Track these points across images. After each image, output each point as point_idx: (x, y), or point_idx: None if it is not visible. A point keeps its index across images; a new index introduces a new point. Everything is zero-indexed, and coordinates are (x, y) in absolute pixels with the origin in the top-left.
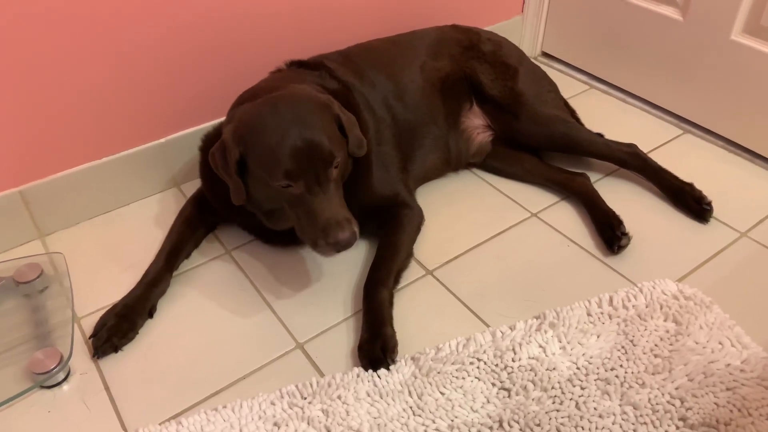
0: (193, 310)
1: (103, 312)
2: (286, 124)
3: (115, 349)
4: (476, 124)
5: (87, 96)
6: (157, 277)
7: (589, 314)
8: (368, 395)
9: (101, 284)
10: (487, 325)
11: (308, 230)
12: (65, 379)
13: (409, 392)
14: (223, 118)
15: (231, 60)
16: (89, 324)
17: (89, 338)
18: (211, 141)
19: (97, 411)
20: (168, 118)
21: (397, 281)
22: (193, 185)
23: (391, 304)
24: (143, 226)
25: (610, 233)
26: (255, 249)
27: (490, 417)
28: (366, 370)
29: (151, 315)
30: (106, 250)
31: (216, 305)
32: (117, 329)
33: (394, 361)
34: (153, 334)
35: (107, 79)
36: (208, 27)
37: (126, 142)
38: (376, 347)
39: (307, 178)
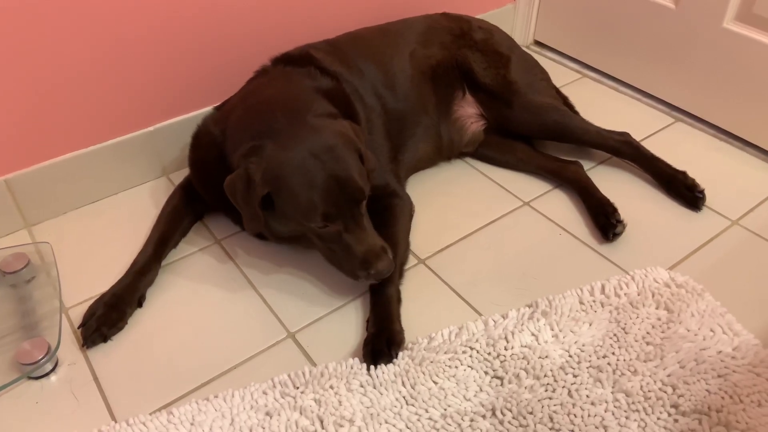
0: (183, 299)
1: (91, 302)
2: (319, 168)
3: (104, 338)
4: (469, 113)
5: (74, 83)
6: (146, 266)
7: (581, 302)
8: (361, 385)
9: (89, 274)
10: (480, 314)
11: (346, 263)
12: (53, 369)
13: (402, 382)
14: (210, 107)
15: (220, 48)
16: (77, 314)
17: (78, 328)
18: (202, 141)
19: (85, 402)
20: (157, 106)
21: (401, 275)
22: (183, 174)
23: (399, 301)
24: (132, 215)
25: (605, 221)
26: (245, 238)
27: (483, 405)
28: (362, 362)
29: (140, 304)
30: (94, 240)
31: (206, 294)
32: (106, 319)
33: (396, 356)
34: (142, 323)
35: (94, 66)
36: (197, 15)
37: (114, 131)
38: (381, 341)
39: (344, 217)
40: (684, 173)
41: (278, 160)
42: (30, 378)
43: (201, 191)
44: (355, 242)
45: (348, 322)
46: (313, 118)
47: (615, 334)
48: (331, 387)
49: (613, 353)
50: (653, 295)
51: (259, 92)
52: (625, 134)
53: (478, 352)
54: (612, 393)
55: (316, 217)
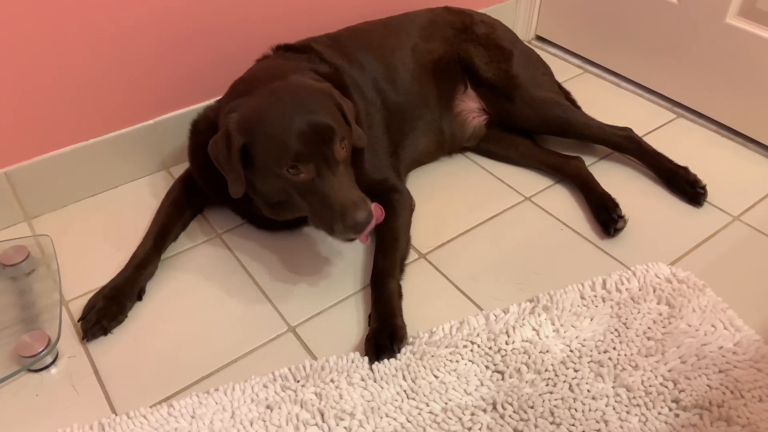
0: (184, 293)
1: (91, 295)
2: (290, 111)
3: (105, 331)
4: (471, 108)
5: (74, 76)
6: (146, 259)
7: (582, 297)
8: (362, 379)
9: (89, 267)
10: (481, 309)
11: (323, 217)
12: (53, 362)
13: (403, 376)
14: (212, 101)
15: (220, 41)
16: (77, 307)
17: (78, 321)
18: (200, 127)
19: (85, 394)
20: (157, 99)
21: (402, 270)
22: (182, 168)
23: (400, 296)
24: (132, 209)
25: (606, 216)
26: (246, 232)
27: (483, 399)
28: (364, 355)
29: (140, 297)
30: (94, 233)
31: (206, 288)
32: (106, 312)
33: (399, 351)
34: (142, 317)
35: (95, 58)
36: (197, 7)
37: (114, 124)
38: (384, 336)
39: (316, 160)
40: (686, 169)
41: (251, 110)
42: (30, 370)
43: (200, 182)
44: (331, 191)
45: (349, 316)
46: (294, 77)
47: (616, 329)
48: (332, 380)
49: (614, 348)
50: (654, 291)
51: (263, 77)
52: (627, 129)
53: (479, 346)
54: (613, 388)
55: (286, 160)
